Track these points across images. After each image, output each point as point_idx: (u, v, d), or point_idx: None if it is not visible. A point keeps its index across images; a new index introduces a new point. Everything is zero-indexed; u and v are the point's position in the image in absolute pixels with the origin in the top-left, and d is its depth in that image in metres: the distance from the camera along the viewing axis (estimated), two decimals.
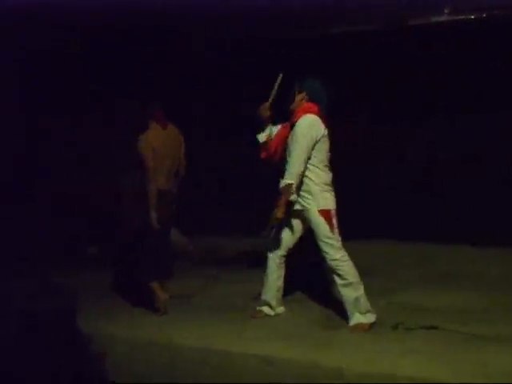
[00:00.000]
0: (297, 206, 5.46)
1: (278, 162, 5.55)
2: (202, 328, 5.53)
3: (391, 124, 7.86)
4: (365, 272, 5.83)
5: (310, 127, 5.35)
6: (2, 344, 5.04)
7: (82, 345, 5.18)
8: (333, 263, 5.32)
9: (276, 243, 5.64)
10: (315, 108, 5.42)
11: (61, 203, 8.21)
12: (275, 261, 5.67)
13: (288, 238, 5.64)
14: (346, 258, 5.34)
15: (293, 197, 5.33)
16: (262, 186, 5.90)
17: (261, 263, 5.92)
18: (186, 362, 5.01)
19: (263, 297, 5.81)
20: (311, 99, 5.46)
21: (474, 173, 7.52)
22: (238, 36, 7.55)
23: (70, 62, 7.92)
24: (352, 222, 6.54)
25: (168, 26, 7.46)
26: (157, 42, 7.86)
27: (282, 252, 5.67)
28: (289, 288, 6.04)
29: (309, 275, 6.61)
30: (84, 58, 7.99)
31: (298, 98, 5.49)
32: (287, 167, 5.34)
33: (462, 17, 6.92)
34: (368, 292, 5.48)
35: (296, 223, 5.58)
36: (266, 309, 5.84)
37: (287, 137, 5.51)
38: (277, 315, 5.82)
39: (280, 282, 5.74)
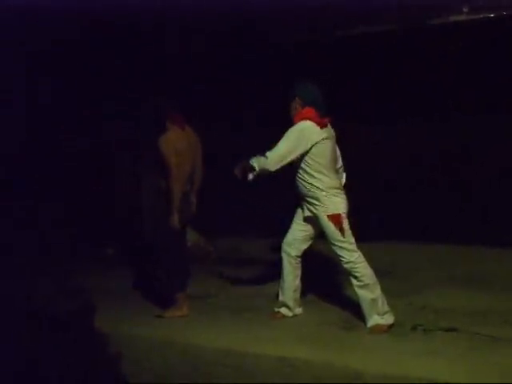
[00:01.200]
0: (307, 213, 5.49)
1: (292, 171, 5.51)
2: (219, 329, 5.52)
3: (402, 122, 7.82)
4: (383, 273, 5.84)
5: (301, 131, 5.31)
6: (19, 344, 5.06)
7: (99, 345, 5.18)
8: (348, 266, 5.32)
9: (290, 244, 5.66)
10: (311, 112, 5.35)
11: (76, 203, 8.20)
12: (290, 262, 5.67)
13: (301, 240, 5.65)
14: (361, 259, 5.32)
15: (250, 176, 5.25)
16: (279, 185, 5.89)
17: (279, 264, 5.89)
18: (202, 362, 4.99)
19: (280, 298, 5.80)
20: (306, 104, 5.39)
21: (492, 171, 7.46)
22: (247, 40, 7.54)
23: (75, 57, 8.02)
24: (368, 223, 6.77)
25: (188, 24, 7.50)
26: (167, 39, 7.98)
27: (295, 253, 5.67)
28: (306, 289, 6.01)
29: (326, 276, 6.57)
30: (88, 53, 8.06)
31: (293, 105, 5.44)
32: (269, 154, 5.24)
33: (481, 16, 6.82)
34: (386, 293, 5.44)
35: (308, 227, 5.60)
36: (283, 310, 5.82)
37: None
38: (294, 316, 5.80)
39: (297, 283, 5.73)
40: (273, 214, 5.84)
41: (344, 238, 5.29)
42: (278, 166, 5.24)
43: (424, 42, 7.41)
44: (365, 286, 5.30)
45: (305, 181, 5.37)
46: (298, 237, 5.61)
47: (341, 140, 5.58)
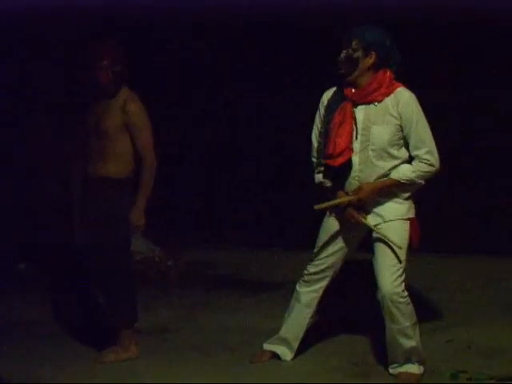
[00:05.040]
0: (376, 219, 4.28)
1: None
2: (186, 376, 4.60)
3: None
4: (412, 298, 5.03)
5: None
6: None
7: None
8: (387, 300, 4.18)
9: (322, 272, 4.52)
10: (392, 76, 4.21)
11: None
12: (312, 295, 4.58)
13: (336, 262, 4.53)
14: (406, 292, 4.27)
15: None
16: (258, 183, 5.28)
17: (263, 285, 5.58)
18: None
19: (282, 334, 4.68)
20: (382, 63, 4.19)
21: None
22: None
23: None
24: None
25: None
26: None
27: (325, 283, 4.57)
28: None
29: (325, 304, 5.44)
30: None
31: (365, 63, 4.16)
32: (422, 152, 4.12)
33: None
34: None
35: (351, 243, 4.47)
36: (282, 350, 4.68)
37: (352, 127, 4.24)
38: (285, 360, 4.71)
39: (309, 320, 4.64)
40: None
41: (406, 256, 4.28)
42: None
43: None
44: (404, 331, 4.23)
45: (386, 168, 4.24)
46: (329, 265, 4.49)
47: None
